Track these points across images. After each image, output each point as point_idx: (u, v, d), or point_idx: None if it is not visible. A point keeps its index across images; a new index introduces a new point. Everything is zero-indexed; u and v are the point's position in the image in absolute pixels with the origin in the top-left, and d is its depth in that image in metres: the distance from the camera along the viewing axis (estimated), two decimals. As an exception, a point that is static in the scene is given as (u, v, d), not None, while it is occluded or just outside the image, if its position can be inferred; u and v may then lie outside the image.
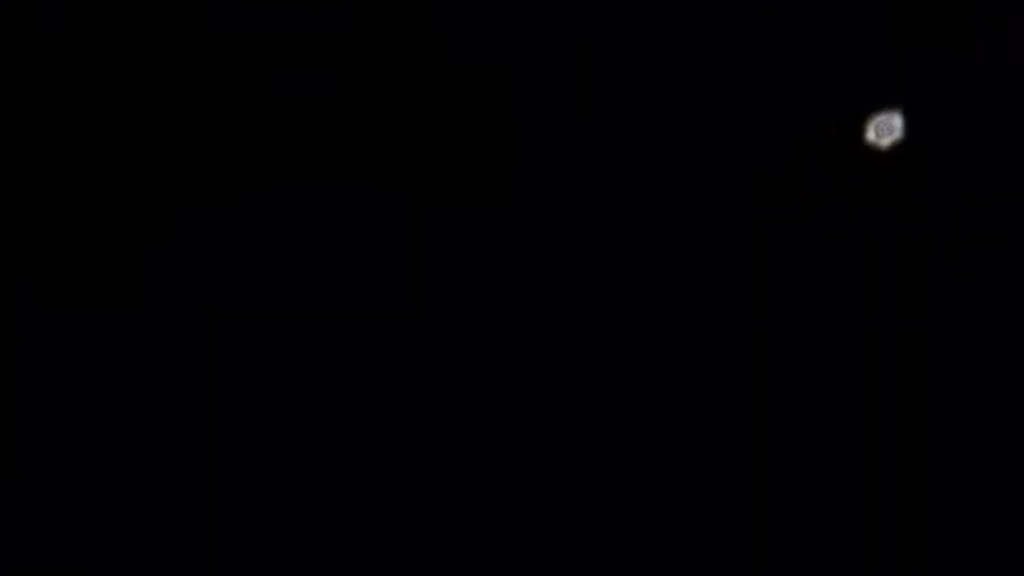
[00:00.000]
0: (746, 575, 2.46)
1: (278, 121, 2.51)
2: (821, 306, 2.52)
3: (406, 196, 2.52)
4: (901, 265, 2.53)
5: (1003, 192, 2.53)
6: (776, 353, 2.50)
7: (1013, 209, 2.53)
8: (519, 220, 2.52)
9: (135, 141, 2.50)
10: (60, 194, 2.49)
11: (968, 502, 2.46)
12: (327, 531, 2.45)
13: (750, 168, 2.54)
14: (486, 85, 2.52)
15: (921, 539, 2.46)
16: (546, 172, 2.53)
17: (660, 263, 2.52)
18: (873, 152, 2.53)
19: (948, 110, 2.53)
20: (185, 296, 2.48)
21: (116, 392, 2.46)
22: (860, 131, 2.53)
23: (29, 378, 2.45)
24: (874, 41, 2.53)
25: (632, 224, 2.53)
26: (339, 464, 2.47)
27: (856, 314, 2.52)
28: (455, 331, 2.50)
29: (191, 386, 2.46)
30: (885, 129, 2.47)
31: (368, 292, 2.50)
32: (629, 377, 2.50)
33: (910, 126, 2.53)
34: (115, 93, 2.50)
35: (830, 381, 2.50)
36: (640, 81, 2.54)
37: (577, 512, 2.47)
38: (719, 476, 2.48)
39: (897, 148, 2.53)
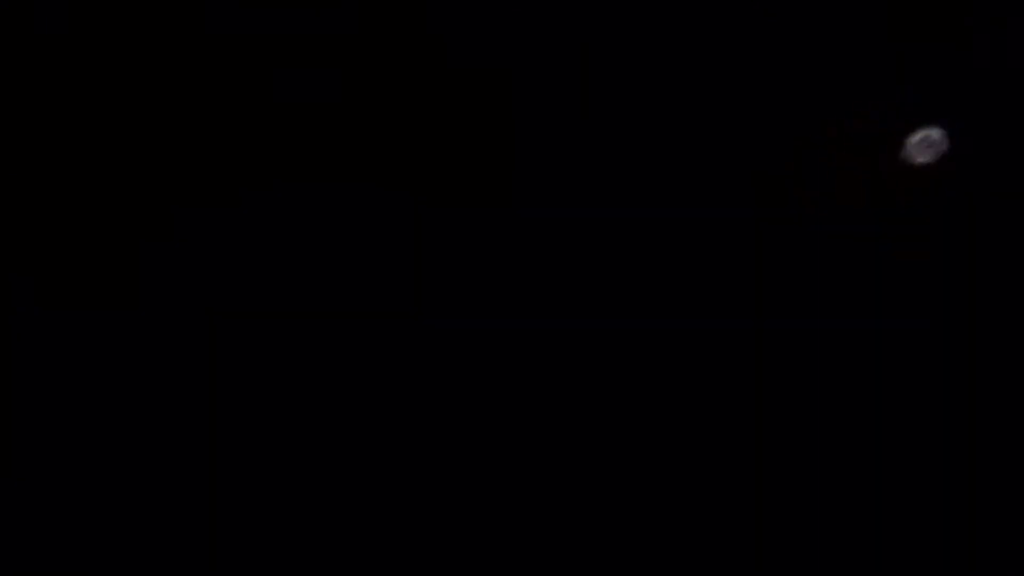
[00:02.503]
0: (747, 574, 2.47)
1: (278, 121, 2.51)
2: (822, 306, 2.52)
3: (406, 196, 2.52)
4: (899, 264, 2.53)
5: (1003, 192, 2.54)
6: (776, 353, 2.51)
7: (1015, 208, 2.53)
8: (519, 220, 2.52)
9: (135, 141, 2.50)
10: (60, 194, 2.49)
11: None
12: (327, 531, 2.45)
13: (750, 168, 2.54)
14: (486, 85, 2.52)
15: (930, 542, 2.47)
16: (546, 172, 2.53)
17: (660, 263, 2.53)
18: (873, 153, 2.53)
19: (948, 110, 2.53)
20: (185, 296, 2.48)
21: (116, 392, 2.46)
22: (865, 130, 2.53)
23: (29, 378, 2.45)
24: (874, 41, 2.53)
25: (632, 224, 2.53)
26: (339, 464, 2.47)
27: (855, 314, 2.52)
28: (455, 331, 2.50)
29: (191, 386, 2.47)
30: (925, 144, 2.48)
31: (368, 292, 2.50)
32: (629, 377, 2.50)
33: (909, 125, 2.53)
34: (115, 93, 2.50)
35: (832, 381, 2.50)
36: (640, 81, 2.54)
37: (577, 512, 2.47)
38: (719, 476, 2.48)
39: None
